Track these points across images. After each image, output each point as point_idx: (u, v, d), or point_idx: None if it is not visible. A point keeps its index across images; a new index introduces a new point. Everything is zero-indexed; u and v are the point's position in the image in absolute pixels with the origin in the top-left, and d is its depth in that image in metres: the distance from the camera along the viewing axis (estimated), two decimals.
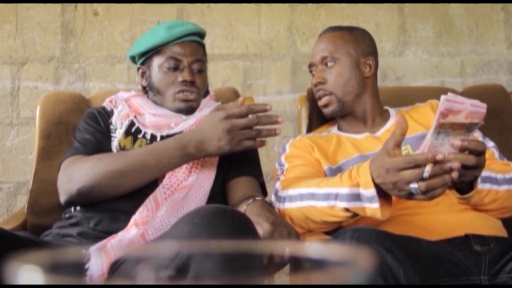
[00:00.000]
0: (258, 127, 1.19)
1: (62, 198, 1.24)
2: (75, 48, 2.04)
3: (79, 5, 2.05)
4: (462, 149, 1.02)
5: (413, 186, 0.97)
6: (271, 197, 1.32)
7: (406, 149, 1.30)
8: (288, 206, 1.22)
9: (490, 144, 1.37)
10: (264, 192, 1.38)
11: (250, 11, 2.07)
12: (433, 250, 1.04)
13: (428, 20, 2.10)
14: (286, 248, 0.37)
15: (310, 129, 1.60)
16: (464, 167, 1.02)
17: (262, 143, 1.21)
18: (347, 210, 1.11)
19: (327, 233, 1.25)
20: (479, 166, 1.05)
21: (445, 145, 1.02)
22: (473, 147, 1.02)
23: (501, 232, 1.23)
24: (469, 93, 1.74)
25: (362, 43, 1.44)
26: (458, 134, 1.03)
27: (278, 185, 1.31)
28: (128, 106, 1.39)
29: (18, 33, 2.03)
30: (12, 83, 2.02)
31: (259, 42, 2.07)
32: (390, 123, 1.41)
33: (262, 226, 1.03)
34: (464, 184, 1.11)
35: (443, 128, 1.01)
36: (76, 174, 1.21)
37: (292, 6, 2.08)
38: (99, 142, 1.32)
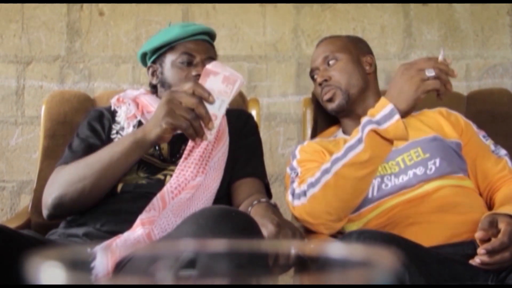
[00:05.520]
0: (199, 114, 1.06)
1: (44, 213, 1.24)
2: (80, 48, 2.04)
3: (84, 5, 2.05)
4: (491, 253, 1.03)
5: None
6: (288, 198, 1.28)
7: (417, 151, 1.30)
8: (311, 193, 1.20)
9: (502, 152, 1.36)
10: (269, 194, 1.38)
11: (255, 13, 2.07)
12: (439, 254, 1.04)
13: (434, 23, 2.10)
14: (292, 249, 0.37)
15: (314, 131, 1.59)
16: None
17: (197, 135, 1.06)
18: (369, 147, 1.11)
19: (332, 236, 1.25)
20: None
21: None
22: (498, 247, 1.03)
23: None
24: (475, 97, 1.73)
25: (359, 44, 1.49)
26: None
27: (295, 185, 1.28)
28: (135, 105, 1.39)
29: (24, 32, 2.04)
30: (17, 82, 2.02)
31: (264, 44, 2.07)
32: None
33: (266, 228, 1.03)
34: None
35: None
36: (49, 186, 1.22)
37: (297, 8, 2.08)
38: (89, 148, 1.29)
